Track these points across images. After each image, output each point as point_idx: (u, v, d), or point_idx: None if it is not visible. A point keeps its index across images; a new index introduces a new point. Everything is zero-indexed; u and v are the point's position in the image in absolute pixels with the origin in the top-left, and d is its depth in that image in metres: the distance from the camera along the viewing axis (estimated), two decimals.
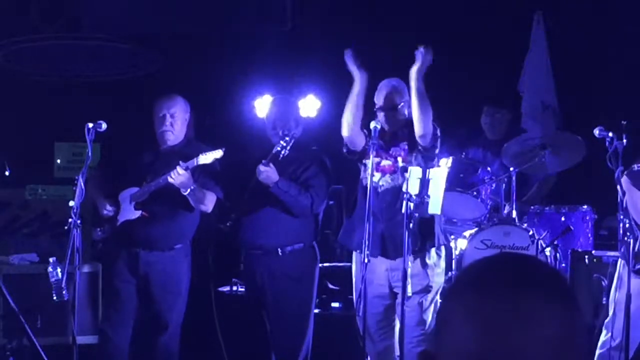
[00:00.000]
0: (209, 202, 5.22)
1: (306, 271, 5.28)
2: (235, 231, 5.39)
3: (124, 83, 7.49)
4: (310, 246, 5.32)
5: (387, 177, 5.00)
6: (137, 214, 5.18)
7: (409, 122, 4.96)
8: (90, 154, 4.85)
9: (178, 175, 4.97)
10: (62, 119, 7.38)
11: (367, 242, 4.57)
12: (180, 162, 4.99)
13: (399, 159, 4.97)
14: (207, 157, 5.03)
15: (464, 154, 6.52)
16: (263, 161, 5.04)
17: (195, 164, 5.01)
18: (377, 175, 4.97)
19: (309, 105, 7.34)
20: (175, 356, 5.32)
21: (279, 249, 5.22)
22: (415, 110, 4.83)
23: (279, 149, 5.03)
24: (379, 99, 5.04)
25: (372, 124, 4.86)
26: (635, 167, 4.73)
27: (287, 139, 5.06)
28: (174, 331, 5.30)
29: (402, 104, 5.02)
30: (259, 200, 5.23)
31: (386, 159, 5.03)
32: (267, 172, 5.03)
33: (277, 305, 5.22)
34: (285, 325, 5.21)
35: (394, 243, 4.89)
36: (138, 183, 5.21)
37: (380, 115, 5.03)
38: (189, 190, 5.05)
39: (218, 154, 5.05)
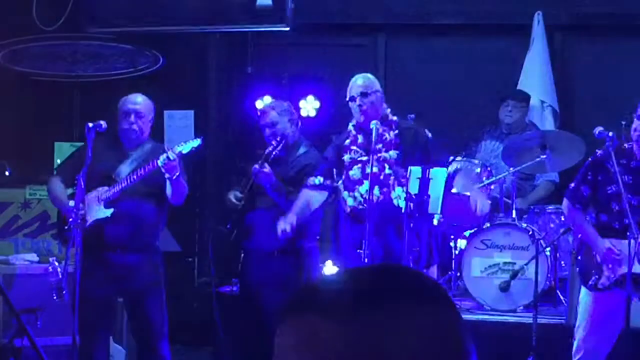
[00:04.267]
0: (185, 194, 5.14)
1: (303, 273, 5.25)
2: (235, 232, 5.38)
3: (124, 83, 7.48)
4: (309, 247, 5.31)
5: (376, 189, 4.90)
6: (109, 212, 5.04)
7: (391, 123, 5.03)
8: (90, 154, 4.83)
9: (169, 161, 4.88)
10: (62, 119, 7.38)
11: (366, 243, 4.56)
12: (169, 147, 4.92)
13: (386, 166, 4.97)
14: (185, 147, 4.94)
15: (463, 153, 6.52)
16: (259, 162, 5.06)
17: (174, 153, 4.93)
18: (366, 183, 4.89)
19: (309, 105, 7.34)
20: (168, 357, 5.28)
21: (275, 252, 5.21)
22: None
23: (270, 149, 5.07)
24: (350, 91, 5.10)
25: (372, 124, 4.86)
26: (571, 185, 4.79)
27: (278, 139, 5.11)
28: (163, 332, 5.23)
29: (373, 92, 5.05)
30: (256, 202, 5.24)
31: (373, 164, 4.87)
32: (263, 173, 5.05)
33: (272, 308, 5.22)
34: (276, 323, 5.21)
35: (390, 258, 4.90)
36: (103, 184, 5.07)
37: (354, 106, 5.06)
38: (175, 175, 4.93)
39: (196, 142, 5.00)
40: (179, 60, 7.60)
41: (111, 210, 5.03)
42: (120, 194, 5.04)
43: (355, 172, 4.97)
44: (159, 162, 4.89)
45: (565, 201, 4.81)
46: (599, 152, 4.70)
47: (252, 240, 5.29)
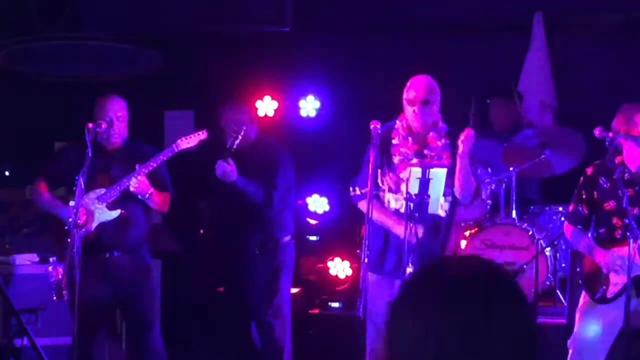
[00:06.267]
0: (166, 204, 5.20)
1: (282, 266, 5.43)
2: (215, 233, 5.53)
3: (124, 83, 7.48)
4: (285, 242, 5.47)
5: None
6: (115, 214, 5.06)
7: (441, 130, 4.79)
8: (90, 154, 4.83)
9: (137, 183, 4.95)
10: (62, 119, 7.38)
11: (366, 242, 4.54)
12: (137, 166, 4.98)
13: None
14: (190, 140, 5.02)
15: None
16: (222, 159, 5.20)
17: (177, 150, 5.01)
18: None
19: (309, 105, 7.34)
20: (164, 355, 5.32)
21: (252, 249, 5.35)
22: (459, 180, 4.69)
23: (229, 141, 5.24)
24: (411, 93, 4.73)
25: (372, 125, 4.82)
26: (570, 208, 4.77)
27: (236, 129, 5.28)
28: (157, 330, 5.28)
29: (434, 100, 4.76)
30: (229, 201, 5.37)
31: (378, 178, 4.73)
32: (224, 168, 5.18)
33: (255, 302, 5.36)
34: (268, 319, 5.36)
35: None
36: (92, 185, 5.05)
37: (411, 110, 4.72)
38: (147, 195, 5.02)
39: (203, 135, 5.06)
40: (179, 60, 7.60)
41: (118, 211, 5.07)
42: (121, 194, 5.07)
43: (405, 174, 4.60)
44: (131, 187, 4.97)
45: (566, 224, 4.78)
46: (588, 170, 4.68)
47: (231, 240, 5.42)
